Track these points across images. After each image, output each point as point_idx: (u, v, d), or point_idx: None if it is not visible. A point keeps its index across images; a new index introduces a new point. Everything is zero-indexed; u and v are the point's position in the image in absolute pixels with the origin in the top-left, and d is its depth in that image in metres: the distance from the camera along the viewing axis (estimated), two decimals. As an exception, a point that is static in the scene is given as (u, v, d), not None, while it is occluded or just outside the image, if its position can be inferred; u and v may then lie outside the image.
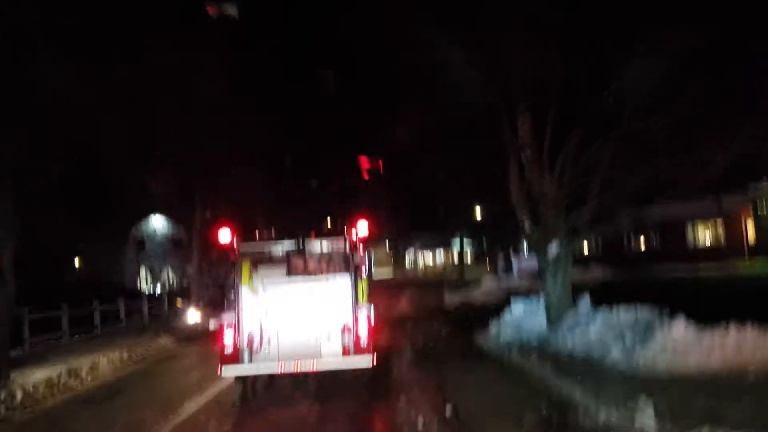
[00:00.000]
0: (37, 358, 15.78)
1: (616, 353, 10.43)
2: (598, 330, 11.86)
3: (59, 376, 13.13)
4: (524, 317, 14.53)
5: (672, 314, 11.33)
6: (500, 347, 13.02)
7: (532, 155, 13.81)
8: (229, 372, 9.79)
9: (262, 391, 10.63)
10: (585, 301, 13.74)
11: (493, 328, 14.77)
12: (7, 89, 12.25)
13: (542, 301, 14.67)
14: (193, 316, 18.90)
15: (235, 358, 9.59)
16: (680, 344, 9.64)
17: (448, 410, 8.08)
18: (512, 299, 17.30)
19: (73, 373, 13.61)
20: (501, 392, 9.18)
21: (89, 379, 13.72)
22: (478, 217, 55.18)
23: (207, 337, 18.22)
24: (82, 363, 14.57)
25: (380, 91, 20.32)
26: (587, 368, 9.96)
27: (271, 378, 10.36)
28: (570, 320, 13.22)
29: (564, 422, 7.25)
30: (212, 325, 18.09)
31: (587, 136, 13.27)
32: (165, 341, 18.66)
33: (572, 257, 14.12)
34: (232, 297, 9.97)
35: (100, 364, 14.89)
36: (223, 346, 9.67)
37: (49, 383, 12.58)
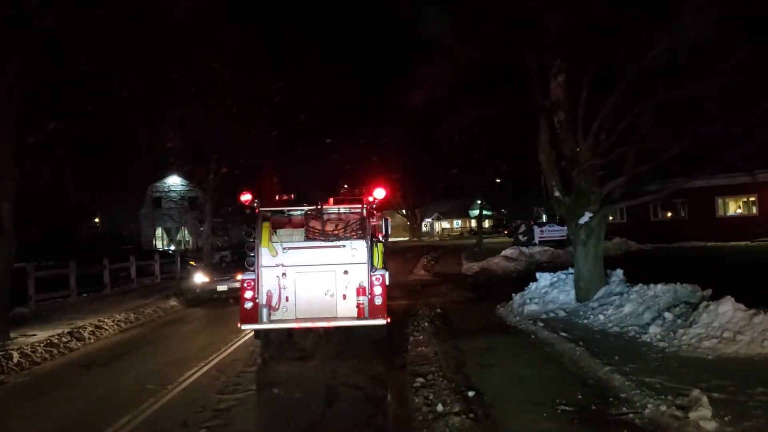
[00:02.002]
0: (41, 317, 15.32)
1: (654, 333, 9.55)
2: (633, 307, 10.96)
3: (61, 337, 12.57)
4: (550, 289, 13.59)
5: (716, 293, 10.45)
6: (525, 320, 12.14)
7: (566, 119, 12.76)
8: (249, 327, 10.38)
9: (273, 362, 10.04)
10: (617, 275, 12.82)
11: (516, 299, 13.88)
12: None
13: (570, 273, 13.79)
14: (200, 278, 18.20)
15: (254, 314, 10.08)
16: (729, 327, 8.71)
17: (471, 393, 7.25)
18: (537, 270, 16.43)
19: (75, 333, 13.06)
20: (529, 373, 8.26)
21: (92, 340, 13.15)
22: (498, 187, 54.05)
23: (215, 301, 17.63)
24: (87, 323, 14.04)
25: (401, 45, 19.18)
26: (623, 349, 9.07)
27: (289, 336, 10.81)
28: (601, 294, 12.32)
29: (604, 415, 6.36)
30: (220, 287, 17.65)
31: (625, 102, 12.19)
32: (173, 303, 18.06)
33: (605, 228, 13.12)
34: (252, 258, 10.33)
35: (105, 325, 14.33)
36: (243, 304, 10.15)
37: (50, 344, 12.02)
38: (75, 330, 13.24)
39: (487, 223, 68.35)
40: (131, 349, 12.12)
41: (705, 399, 6.02)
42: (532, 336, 10.76)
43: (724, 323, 8.85)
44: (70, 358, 11.56)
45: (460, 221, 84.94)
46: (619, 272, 12.86)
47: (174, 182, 44.85)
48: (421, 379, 7.98)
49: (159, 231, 50.07)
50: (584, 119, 12.51)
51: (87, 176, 35.03)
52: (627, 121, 12.01)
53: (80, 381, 9.63)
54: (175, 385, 8.77)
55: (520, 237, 34.14)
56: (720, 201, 33.86)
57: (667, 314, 9.90)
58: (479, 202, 47.71)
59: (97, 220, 50.77)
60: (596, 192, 12.62)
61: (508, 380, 7.85)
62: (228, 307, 16.63)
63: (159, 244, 48.55)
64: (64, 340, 12.49)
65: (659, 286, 11.23)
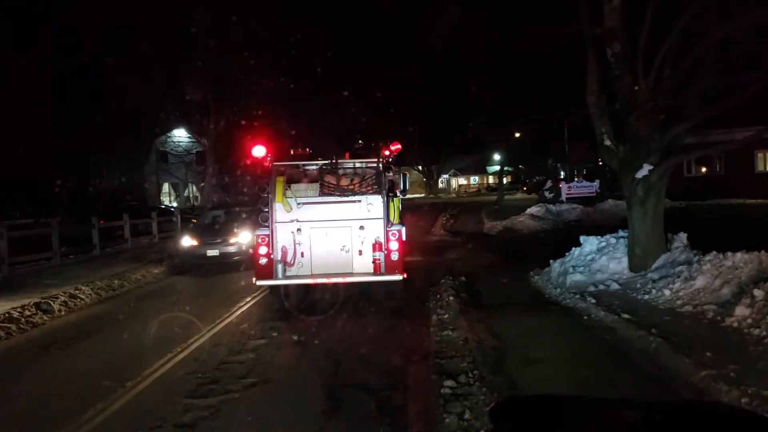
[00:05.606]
0: (13, 284, 13.61)
1: (742, 316, 7.49)
2: (707, 280, 8.88)
3: (24, 310, 10.80)
4: (598, 256, 11.47)
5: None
6: (568, 294, 10.12)
7: (622, 52, 10.46)
8: (264, 283, 10.27)
9: (265, 347, 8.13)
10: (680, 240, 10.72)
11: (555, 266, 11.85)
12: None
13: (620, 236, 11.72)
14: (187, 241, 16.22)
15: (269, 270, 9.87)
16: None
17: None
18: (566, 229, 14.36)
19: (43, 305, 11.27)
20: (594, 376, 6.17)
21: (63, 312, 11.39)
22: (517, 141, 51.48)
23: (203, 267, 15.75)
24: (61, 292, 12.26)
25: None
26: (708, 338, 7.02)
27: (306, 292, 10.68)
28: (661, 263, 10.26)
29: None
30: (210, 252, 15.75)
31: (697, 30, 9.89)
32: (163, 269, 16.08)
33: (667, 183, 10.94)
34: (266, 213, 10.11)
35: (82, 293, 12.58)
36: (258, 260, 9.96)
37: (9, 319, 10.26)
38: (44, 301, 11.45)
39: (504, 180, 65.99)
40: (102, 325, 10.30)
41: None
42: (584, 317, 8.68)
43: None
44: (29, 337, 9.77)
45: (477, 177, 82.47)
46: (683, 236, 10.74)
47: (180, 135, 42.81)
48: (450, 383, 5.96)
49: (166, 187, 48.17)
50: (645, 50, 10.24)
51: (92, 132, 33.43)
52: (701, 50, 9.74)
53: (25, 371, 7.82)
54: (137, 381, 6.89)
55: (546, 194, 31.83)
56: (760, 155, 31.43)
57: (756, 291, 7.81)
58: (498, 157, 45.24)
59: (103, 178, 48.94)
60: (657, 139, 10.43)
61: (569, 388, 5.80)
62: (218, 274, 14.77)
63: (166, 201, 46.74)
64: (27, 313, 10.71)
65: (738, 254, 9.12)
